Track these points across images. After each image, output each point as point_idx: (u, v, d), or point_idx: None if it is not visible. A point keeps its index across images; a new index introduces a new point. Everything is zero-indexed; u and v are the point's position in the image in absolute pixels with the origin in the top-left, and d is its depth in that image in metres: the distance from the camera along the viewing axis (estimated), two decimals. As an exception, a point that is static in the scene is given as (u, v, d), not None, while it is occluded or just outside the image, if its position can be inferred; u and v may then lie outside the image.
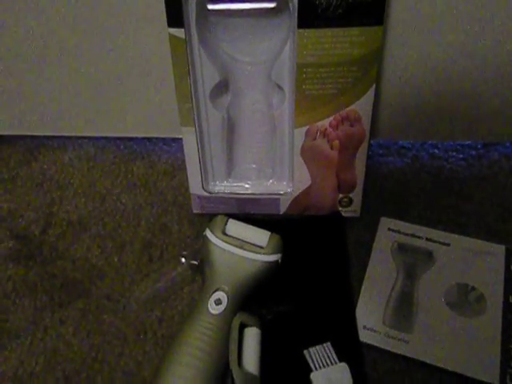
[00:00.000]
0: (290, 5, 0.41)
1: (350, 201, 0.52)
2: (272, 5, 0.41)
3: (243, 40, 0.44)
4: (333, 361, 0.42)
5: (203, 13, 0.42)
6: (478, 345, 0.43)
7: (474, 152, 0.59)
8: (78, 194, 0.58)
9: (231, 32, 0.44)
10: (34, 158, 0.62)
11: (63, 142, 0.63)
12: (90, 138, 0.63)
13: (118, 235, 0.54)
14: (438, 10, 0.45)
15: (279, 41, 0.44)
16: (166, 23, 0.42)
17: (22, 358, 0.45)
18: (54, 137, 0.63)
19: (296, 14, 0.40)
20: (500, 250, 0.49)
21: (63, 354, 0.45)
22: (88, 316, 0.47)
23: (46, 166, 0.61)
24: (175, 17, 0.41)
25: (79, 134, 0.62)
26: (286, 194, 0.52)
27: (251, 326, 0.42)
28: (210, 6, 0.41)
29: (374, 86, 0.44)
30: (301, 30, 0.41)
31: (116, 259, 0.52)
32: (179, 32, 0.42)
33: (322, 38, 0.41)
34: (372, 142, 0.59)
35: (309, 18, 0.41)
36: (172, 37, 0.42)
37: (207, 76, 0.46)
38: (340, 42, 0.42)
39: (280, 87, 0.46)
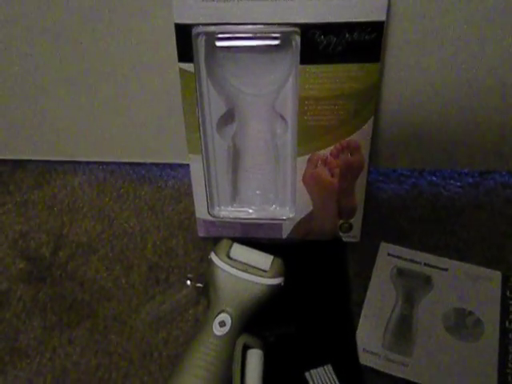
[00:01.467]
0: (293, 42, 0.43)
1: (350, 226, 0.53)
2: (276, 42, 0.43)
3: (249, 74, 0.46)
4: (333, 383, 0.43)
5: (212, 49, 0.44)
6: (475, 369, 0.44)
7: (470, 180, 0.60)
8: (87, 217, 0.59)
9: (238, 66, 0.46)
10: (45, 181, 0.63)
11: (74, 166, 0.64)
12: (99, 163, 0.64)
13: (126, 257, 0.55)
14: (430, 48, 0.47)
15: (282, 75, 0.46)
16: (176, 58, 0.44)
17: (31, 377, 0.46)
18: (65, 162, 0.64)
19: (299, 51, 0.43)
20: (496, 275, 0.50)
21: (71, 373, 0.46)
22: (95, 336, 0.48)
23: (56, 190, 0.62)
24: (185, 52, 0.43)
25: (89, 159, 0.63)
26: (288, 219, 0.53)
27: (254, 347, 0.43)
28: (219, 43, 0.43)
29: (373, 117, 0.46)
30: (303, 66, 0.43)
31: (123, 281, 0.53)
32: (189, 66, 0.44)
33: (323, 73, 0.43)
34: (372, 169, 0.60)
35: (310, 54, 0.43)
36: (182, 71, 0.45)
37: (214, 107, 0.47)
38: (340, 76, 0.44)
39: (283, 118, 0.48)
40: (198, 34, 0.43)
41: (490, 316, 0.47)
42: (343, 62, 0.43)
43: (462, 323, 0.47)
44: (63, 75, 0.54)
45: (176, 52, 0.44)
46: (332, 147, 0.48)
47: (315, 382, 0.43)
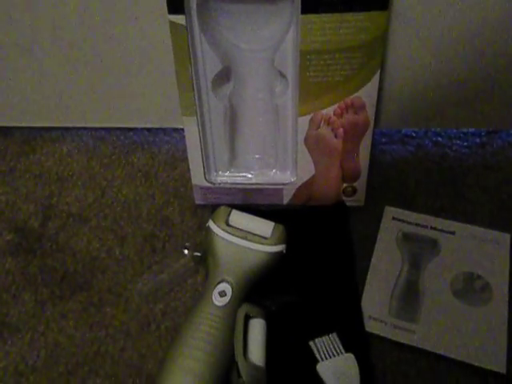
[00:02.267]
0: (294, -10, 0.40)
1: (354, 190, 0.51)
2: (275, -10, 0.40)
3: (245, 27, 0.43)
4: (339, 351, 0.42)
5: (204, -1, 0.41)
6: (484, 333, 0.43)
7: (477, 139, 0.59)
8: (77, 185, 0.57)
9: (233, 18, 0.43)
10: (31, 149, 0.61)
11: (61, 133, 0.62)
12: (88, 129, 0.62)
13: (119, 227, 0.53)
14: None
15: (282, 27, 0.43)
16: (166, 10, 0.41)
17: (23, 352, 0.45)
18: (51, 128, 0.62)
19: (299, 0, 0.40)
20: (505, 237, 0.49)
21: (65, 347, 0.45)
22: (90, 309, 0.47)
23: (44, 158, 0.60)
24: (176, 3, 0.41)
25: (78, 125, 0.61)
26: (289, 184, 0.52)
27: (256, 317, 0.42)
28: (212, -8, 0.40)
29: (379, 72, 0.44)
30: (304, 16, 0.40)
31: (117, 252, 0.51)
32: (180, 19, 0.41)
33: (326, 24, 0.41)
34: (375, 130, 0.58)
35: (312, 3, 0.40)
36: (172, 24, 0.42)
37: (209, 64, 0.45)
38: (344, 27, 0.41)
39: (283, 75, 0.46)
40: (189, -18, 0.40)
41: (499, 279, 0.46)
42: (348, 10, 0.40)
43: (469, 287, 0.46)
44: (48, 36, 0.51)
45: (166, 3, 0.41)
46: (336, 106, 0.45)
47: (320, 350, 0.43)
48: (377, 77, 0.44)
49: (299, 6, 0.40)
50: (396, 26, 0.46)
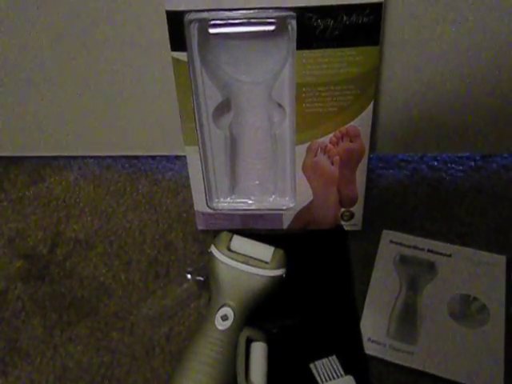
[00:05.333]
0: (289, 27, 0.42)
1: (352, 215, 0.53)
2: (271, 28, 0.42)
3: (244, 61, 0.45)
4: (339, 374, 0.43)
5: (205, 36, 0.43)
6: (481, 355, 0.44)
7: (472, 163, 0.60)
8: (84, 212, 0.58)
9: (232, 54, 0.45)
10: (40, 178, 0.62)
11: (69, 161, 0.63)
12: (95, 158, 0.63)
13: (125, 253, 0.54)
14: (431, 28, 0.46)
15: (279, 61, 0.45)
16: (169, 47, 0.43)
17: (33, 376, 0.46)
18: (59, 157, 0.63)
19: (295, 36, 0.42)
20: (501, 260, 0.49)
21: (73, 371, 0.46)
22: (96, 334, 0.48)
23: (52, 186, 0.61)
24: (178, 41, 0.43)
25: (84, 154, 0.62)
26: (288, 209, 0.53)
27: (257, 340, 0.43)
28: (212, 30, 0.42)
29: (373, 103, 0.45)
30: (299, 51, 0.42)
31: (123, 277, 0.52)
32: (182, 55, 0.43)
33: (320, 59, 0.42)
34: (372, 155, 0.60)
35: (307, 39, 0.42)
36: (175, 60, 0.44)
37: (209, 96, 0.47)
38: (338, 61, 0.43)
39: (281, 106, 0.47)
40: (191, 21, 0.42)
41: (495, 301, 0.47)
42: (341, 46, 0.42)
43: (466, 309, 0.47)
44: (56, 70, 0.53)
45: (168, 41, 0.42)
46: (331, 135, 0.47)
47: (320, 373, 0.43)
48: (371, 107, 0.45)
49: (295, 42, 0.42)
50: (388, 57, 0.47)
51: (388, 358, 0.44)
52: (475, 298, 0.47)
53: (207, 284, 0.48)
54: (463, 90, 0.51)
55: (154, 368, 0.46)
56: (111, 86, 0.53)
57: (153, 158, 0.63)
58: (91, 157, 0.63)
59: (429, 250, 0.51)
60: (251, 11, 0.41)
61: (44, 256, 0.54)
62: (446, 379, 0.43)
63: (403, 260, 0.50)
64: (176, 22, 0.42)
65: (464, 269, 0.49)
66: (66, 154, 0.62)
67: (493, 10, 0.45)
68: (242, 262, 0.45)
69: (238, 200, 0.53)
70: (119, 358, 0.46)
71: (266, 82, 0.46)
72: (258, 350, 0.43)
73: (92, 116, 0.57)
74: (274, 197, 0.53)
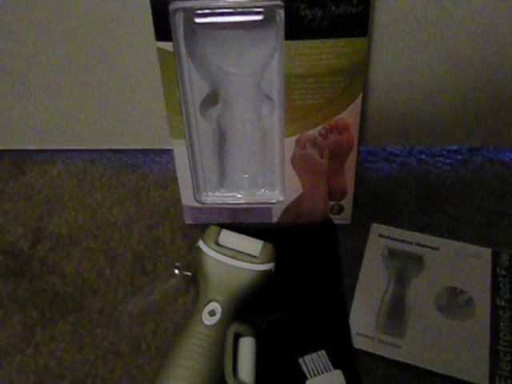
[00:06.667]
0: (277, 17, 0.42)
1: (341, 208, 0.52)
2: (259, 17, 0.41)
3: (231, 52, 0.45)
4: (327, 368, 0.43)
5: (191, 26, 0.42)
6: (467, 347, 0.44)
7: (459, 157, 0.60)
8: (67, 207, 0.57)
9: (219, 44, 0.44)
10: (21, 172, 0.61)
11: (51, 155, 0.62)
12: (79, 151, 0.62)
13: (110, 248, 0.53)
14: (421, 20, 0.46)
15: (267, 52, 0.44)
16: (153, 36, 0.42)
17: (12, 376, 0.45)
18: (41, 150, 0.62)
19: (283, 27, 0.41)
20: (487, 252, 0.50)
21: (55, 370, 0.45)
22: (80, 331, 0.47)
23: (33, 180, 0.60)
24: (163, 30, 0.42)
25: (68, 147, 0.61)
26: (277, 202, 0.52)
27: (246, 335, 0.43)
28: (198, 20, 0.41)
29: (361, 94, 0.45)
30: (288, 42, 0.42)
31: (108, 272, 0.51)
32: (167, 45, 0.42)
33: (309, 50, 0.42)
34: (361, 148, 0.60)
35: (295, 30, 0.41)
36: (160, 50, 0.43)
37: (196, 88, 0.46)
38: (326, 52, 0.42)
39: (269, 98, 0.47)
40: (176, 11, 0.41)
41: (481, 294, 0.47)
42: (329, 36, 0.41)
43: (453, 302, 0.47)
44: (36, 61, 0.51)
45: (153, 30, 0.42)
46: (320, 127, 0.46)
47: (309, 367, 0.43)
48: (359, 99, 0.45)
49: (283, 32, 0.41)
50: (377, 49, 0.48)
51: (376, 351, 0.44)
52: (462, 291, 0.48)
53: (195, 279, 0.47)
54: (451, 83, 0.51)
55: (139, 365, 0.45)
56: (95, 77, 0.52)
57: (139, 151, 0.62)
58: (75, 150, 0.62)
59: (417, 244, 0.51)
60: (238, 0, 0.40)
61: (24, 252, 0.53)
62: (433, 372, 0.43)
63: (391, 253, 0.51)
64: (160, 11, 0.41)
65: (451, 262, 0.50)
66: (48, 147, 0.61)
67: (479, 3, 0.45)
68: (231, 257, 0.45)
69: (227, 194, 0.53)
70: (103, 355, 0.46)
71: (254, 73, 0.46)
72: (247, 346, 0.42)
73: (76, 108, 0.56)
74: (263, 190, 0.53)
